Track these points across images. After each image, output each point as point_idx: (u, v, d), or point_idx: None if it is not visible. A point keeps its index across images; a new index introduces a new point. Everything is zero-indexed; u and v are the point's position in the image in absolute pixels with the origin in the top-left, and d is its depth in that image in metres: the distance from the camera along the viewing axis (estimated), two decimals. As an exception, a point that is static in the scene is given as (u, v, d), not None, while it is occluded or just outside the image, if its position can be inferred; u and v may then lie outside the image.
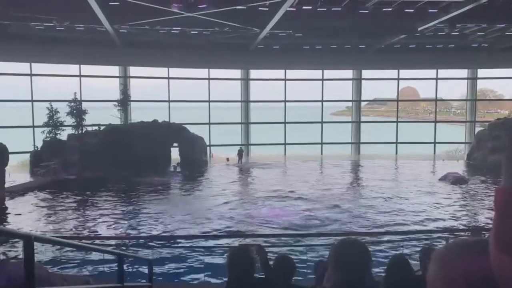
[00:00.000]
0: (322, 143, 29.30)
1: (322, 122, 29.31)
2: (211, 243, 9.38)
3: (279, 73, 28.72)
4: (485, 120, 30.51)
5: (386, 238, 9.56)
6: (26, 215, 13.79)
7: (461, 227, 12.30)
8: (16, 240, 8.29)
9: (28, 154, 22.73)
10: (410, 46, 25.69)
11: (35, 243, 2.32)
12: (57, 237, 5.69)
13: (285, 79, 28.65)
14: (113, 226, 12.55)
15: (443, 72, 29.19)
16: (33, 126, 24.55)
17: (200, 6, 17.79)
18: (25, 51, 22.82)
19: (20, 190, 16.88)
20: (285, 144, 29.09)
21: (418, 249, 5.90)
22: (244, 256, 3.04)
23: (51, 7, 17.73)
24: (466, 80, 29.67)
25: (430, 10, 18.80)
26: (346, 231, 10.82)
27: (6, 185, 15.88)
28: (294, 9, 18.37)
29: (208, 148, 26.34)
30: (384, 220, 12.88)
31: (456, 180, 18.85)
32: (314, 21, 19.94)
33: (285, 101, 28.85)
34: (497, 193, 0.73)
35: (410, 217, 13.25)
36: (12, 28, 20.67)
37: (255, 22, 19.87)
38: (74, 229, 12.19)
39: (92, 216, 13.66)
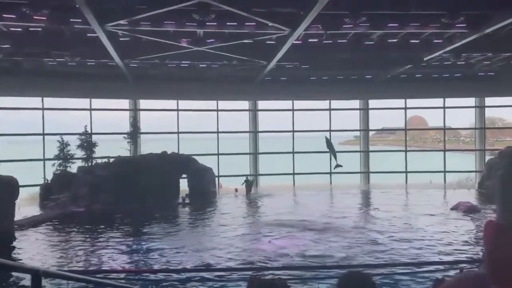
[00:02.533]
0: (331, 173, 29.13)
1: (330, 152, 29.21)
2: (221, 275, 9.26)
3: (286, 103, 28.98)
4: (495, 148, 30.25)
5: (397, 269, 9.38)
6: (34, 248, 13.76)
7: (475, 257, 12.02)
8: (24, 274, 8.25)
9: (38, 187, 22.88)
10: (417, 75, 25.87)
11: (42, 278, 2.33)
12: (65, 271, 5.68)
13: (292, 110, 28.86)
14: (122, 259, 12.47)
15: (450, 101, 29.23)
16: (44, 159, 24.81)
17: (208, 41, 18.23)
18: (37, 86, 23.37)
19: (29, 224, 16.91)
20: (293, 174, 28.98)
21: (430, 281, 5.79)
22: None
23: (63, 44, 18.27)
24: (474, 109, 29.63)
25: (435, 41, 19.03)
26: (354, 264, 10.63)
27: (15, 218, 15.93)
28: (300, 42, 18.72)
29: (216, 179, 26.34)
30: (395, 251, 12.65)
31: (468, 209, 18.55)
32: (320, 53, 20.27)
33: (293, 131, 28.95)
34: (487, 227, 0.75)
35: (421, 248, 13.00)
36: (25, 64, 21.26)
37: (262, 55, 20.25)
38: (82, 263, 12.12)
39: (101, 249, 13.59)
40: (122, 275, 8.92)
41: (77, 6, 12.57)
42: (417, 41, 19.17)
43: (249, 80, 25.54)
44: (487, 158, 27.82)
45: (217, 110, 28.23)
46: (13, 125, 27.44)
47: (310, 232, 15.19)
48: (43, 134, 25.34)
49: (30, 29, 16.88)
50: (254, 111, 29.23)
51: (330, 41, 18.86)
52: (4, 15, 14.33)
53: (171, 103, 27.87)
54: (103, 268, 11.46)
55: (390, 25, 16.02)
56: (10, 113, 26.36)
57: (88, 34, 17.20)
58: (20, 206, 17.53)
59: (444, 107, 29.08)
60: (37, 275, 2.25)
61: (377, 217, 18.13)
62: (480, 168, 28.37)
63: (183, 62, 22.41)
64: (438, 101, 29.06)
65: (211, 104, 28.39)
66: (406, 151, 29.84)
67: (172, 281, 9.28)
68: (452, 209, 19.16)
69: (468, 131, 43.45)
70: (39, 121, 25.39)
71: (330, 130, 28.98)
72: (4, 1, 13.12)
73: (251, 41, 18.54)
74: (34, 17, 13.75)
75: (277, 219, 17.35)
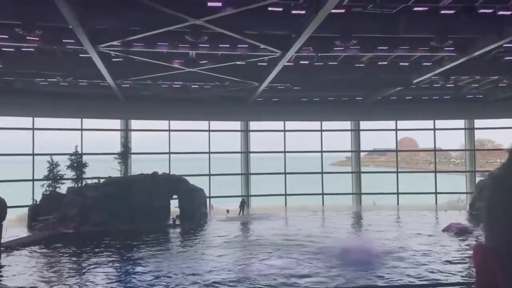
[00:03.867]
0: (323, 194, 29.12)
1: (322, 173, 29.29)
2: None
3: (278, 124, 29.10)
4: (485, 169, 30.49)
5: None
6: (21, 271, 13.45)
7: (466, 279, 11.96)
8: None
9: (27, 208, 22.51)
10: (407, 97, 26.20)
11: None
12: None
13: (284, 130, 28.97)
14: (110, 282, 12.22)
15: (440, 123, 29.56)
16: (33, 180, 24.51)
17: (201, 62, 18.36)
18: (28, 106, 23.30)
19: (16, 245, 16.57)
20: (285, 195, 28.90)
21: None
22: None
23: (56, 64, 18.28)
24: (463, 130, 29.98)
25: (424, 63, 19.35)
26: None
27: (2, 240, 15.60)
28: (292, 63, 18.93)
29: (208, 200, 26.15)
30: (388, 272, 12.55)
31: (459, 231, 18.56)
32: (311, 74, 20.49)
33: (284, 151, 29.00)
34: (476, 250, 0.74)
35: (412, 269, 12.92)
36: (17, 84, 21.19)
37: (254, 76, 20.42)
38: (70, 285, 11.85)
39: (89, 271, 13.32)
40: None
41: (70, 27, 12.63)
42: (407, 63, 19.49)
43: (241, 101, 25.68)
44: (478, 179, 28.00)
45: (209, 131, 28.25)
46: (2, 145, 27.13)
47: (305, 254, 15.05)
48: (33, 155, 25.09)
49: (23, 49, 16.89)
50: (246, 131, 29.30)
51: (321, 63, 19.12)
52: (-3, 36, 14.35)
53: (162, 123, 27.86)
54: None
55: (380, 48, 16.28)
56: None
57: (81, 55, 17.24)
58: (8, 227, 17.21)
59: (434, 129, 29.39)
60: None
61: (369, 239, 18.03)
62: (471, 190, 28.54)
63: (175, 82, 22.50)
64: (429, 123, 29.39)
65: (203, 124, 28.42)
66: (397, 172, 29.97)
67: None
68: (443, 230, 19.16)
69: (458, 153, 43.83)
70: (29, 141, 25.19)
71: (321, 151, 29.07)
72: (-3, 22, 13.16)
73: (243, 63, 18.70)
74: (27, 38, 13.77)
75: (269, 241, 17.18)
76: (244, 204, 25.67)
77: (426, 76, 19.97)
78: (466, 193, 29.48)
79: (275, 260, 14.17)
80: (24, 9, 12.16)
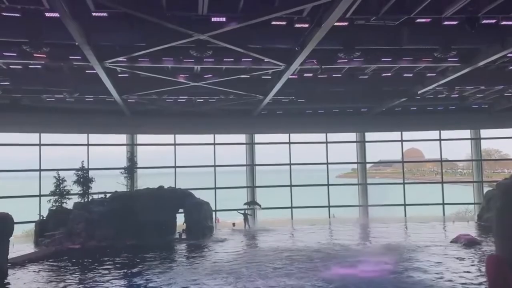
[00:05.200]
0: (329, 206, 28.98)
1: (328, 185, 29.18)
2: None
3: (283, 136, 29.12)
4: (493, 180, 30.24)
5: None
6: (24, 286, 13.42)
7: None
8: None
9: (34, 224, 22.55)
10: (412, 108, 26.19)
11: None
12: None
13: (289, 143, 28.97)
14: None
15: (446, 133, 29.46)
16: (40, 195, 24.60)
17: (205, 76, 18.50)
18: (35, 122, 23.55)
19: (23, 261, 16.57)
20: (291, 207, 28.78)
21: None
22: None
23: (62, 80, 18.49)
24: (469, 141, 29.84)
25: (428, 74, 19.39)
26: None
27: (9, 256, 15.60)
28: (296, 76, 19.03)
29: (214, 213, 26.09)
30: (394, 285, 12.42)
31: (468, 242, 18.36)
32: (315, 87, 20.58)
33: (290, 164, 28.95)
34: (488, 261, 0.75)
35: (423, 281, 12.77)
36: (24, 101, 21.42)
37: (258, 89, 20.54)
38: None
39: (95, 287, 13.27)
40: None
41: (77, 44, 12.82)
42: (411, 74, 19.53)
43: (246, 114, 25.79)
44: (485, 190, 27.77)
45: (214, 144, 28.31)
46: (10, 161, 27.32)
47: (308, 266, 14.93)
48: (40, 170, 25.23)
49: (30, 66, 17.11)
50: (251, 144, 29.34)
51: (325, 75, 19.20)
52: (5, 53, 14.56)
53: (168, 137, 27.97)
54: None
55: (383, 59, 16.36)
56: (7, 149, 26.30)
57: (87, 71, 17.45)
58: (15, 243, 17.23)
59: (440, 139, 29.28)
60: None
61: (378, 251, 17.83)
62: (479, 200, 28.30)
63: (180, 97, 22.66)
64: (434, 134, 29.30)
65: (208, 137, 28.50)
66: (404, 183, 29.80)
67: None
68: (452, 241, 18.96)
69: (465, 163, 43.57)
70: (36, 156, 25.35)
71: (327, 163, 29.01)
72: (5, 40, 13.36)
73: (248, 76, 18.83)
74: (35, 55, 13.97)
75: (275, 254, 17.07)
76: (247, 216, 25.59)
77: (431, 87, 19.98)
78: (474, 203, 29.24)
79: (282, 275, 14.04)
80: (32, 27, 12.36)
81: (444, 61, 16.16)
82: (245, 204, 26.88)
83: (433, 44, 14.59)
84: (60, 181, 23.12)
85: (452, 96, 23.11)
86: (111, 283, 13.73)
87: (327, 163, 29.02)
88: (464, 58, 16.05)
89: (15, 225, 15.79)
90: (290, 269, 14.87)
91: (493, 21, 13.33)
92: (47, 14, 11.99)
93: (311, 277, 13.59)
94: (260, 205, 26.80)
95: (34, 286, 13.58)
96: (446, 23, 13.46)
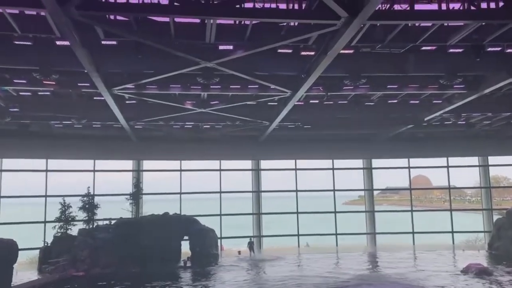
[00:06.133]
0: (336, 234, 28.58)
1: (335, 212, 28.87)
2: None
3: (289, 162, 29.00)
4: (502, 207, 29.78)
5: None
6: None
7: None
8: None
9: (38, 251, 22.38)
10: (419, 135, 26.09)
11: None
12: None
13: (295, 169, 28.84)
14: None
15: (454, 160, 29.23)
16: (45, 222, 24.50)
17: (212, 103, 18.64)
18: (43, 148, 23.72)
19: (26, 289, 16.37)
20: (298, 235, 28.40)
21: None
22: None
23: (70, 107, 18.69)
24: (477, 168, 29.55)
25: (434, 101, 19.39)
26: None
27: (13, 284, 15.43)
28: (302, 103, 19.12)
29: (219, 240, 25.79)
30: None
31: (479, 272, 17.92)
32: (321, 113, 20.62)
33: (296, 190, 28.73)
34: None
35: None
36: (32, 127, 21.63)
37: (264, 115, 20.61)
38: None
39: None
40: None
41: (86, 71, 13.01)
42: (417, 101, 19.54)
43: (252, 140, 25.82)
44: (495, 217, 27.31)
45: (220, 170, 28.24)
46: (16, 187, 27.36)
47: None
48: (46, 196, 25.23)
49: (39, 93, 17.35)
50: (257, 170, 29.24)
51: (331, 102, 19.27)
52: (15, 81, 14.80)
53: (174, 163, 27.97)
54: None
55: (389, 86, 16.42)
56: (14, 175, 26.39)
57: (95, 97, 17.64)
58: (18, 270, 17.07)
59: (447, 166, 29.03)
60: None
61: (388, 280, 17.45)
62: (489, 228, 27.81)
63: (187, 123, 22.78)
64: (442, 160, 29.08)
65: (214, 164, 28.47)
66: (412, 211, 29.40)
67: None
68: (462, 271, 18.51)
69: (473, 190, 43.08)
70: (42, 182, 25.40)
71: (334, 190, 28.77)
72: (16, 68, 13.60)
73: (254, 103, 18.94)
74: (44, 82, 14.18)
75: (282, 283, 16.75)
76: (252, 245, 25.26)
77: (437, 114, 19.95)
78: (484, 231, 28.72)
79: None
80: (42, 54, 12.59)
81: (450, 88, 16.18)
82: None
83: (438, 71, 14.65)
84: (66, 207, 23.08)
85: (459, 122, 23.03)
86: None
87: (334, 190, 28.78)
88: (470, 85, 16.07)
89: (20, 252, 15.68)
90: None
91: (498, 48, 13.42)
92: (58, 43, 12.24)
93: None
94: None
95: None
96: (451, 50, 13.57)
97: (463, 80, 15.30)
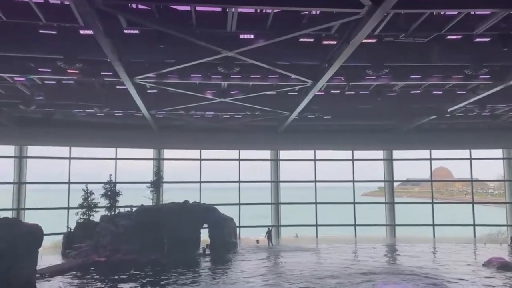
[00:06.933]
0: (355, 225, 28.48)
1: (354, 203, 28.73)
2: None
3: (309, 153, 28.92)
4: (527, 201, 29.13)
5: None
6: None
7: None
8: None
9: (62, 236, 22.97)
10: (441, 126, 25.64)
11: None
12: None
13: (314, 159, 28.74)
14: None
15: (477, 152, 28.65)
16: (68, 208, 25.11)
17: (232, 92, 18.65)
18: (67, 136, 24.18)
19: (50, 273, 16.83)
20: (316, 225, 28.40)
21: None
22: None
23: (93, 95, 18.98)
24: (502, 160, 28.92)
25: (458, 92, 18.99)
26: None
27: (38, 267, 15.88)
28: (323, 93, 18.96)
29: (238, 229, 26.00)
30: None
31: (501, 266, 17.63)
32: (342, 104, 20.43)
33: (315, 181, 28.67)
34: None
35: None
36: (56, 115, 22.06)
37: (284, 105, 20.54)
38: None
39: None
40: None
41: (109, 60, 13.16)
42: (441, 92, 19.16)
43: (272, 130, 25.79)
44: (519, 211, 26.77)
45: (239, 160, 28.36)
46: (41, 174, 28.06)
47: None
48: (69, 183, 25.83)
49: (63, 82, 17.65)
50: (276, 160, 29.25)
51: (353, 92, 19.05)
52: (40, 69, 15.07)
53: (194, 153, 28.22)
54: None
55: (412, 76, 16.13)
56: (38, 162, 27.06)
57: (117, 86, 17.86)
58: (43, 254, 17.55)
59: (470, 158, 28.49)
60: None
61: (408, 273, 17.31)
62: (512, 222, 27.31)
63: (207, 112, 22.88)
64: (464, 152, 28.56)
65: (233, 153, 28.59)
66: (432, 203, 29.03)
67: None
68: (484, 265, 18.24)
69: (496, 183, 42.22)
70: (65, 170, 26.00)
71: (353, 181, 28.60)
72: (41, 56, 13.85)
73: (274, 93, 18.88)
74: (68, 71, 14.41)
75: (305, 276, 16.79)
76: (270, 234, 25.36)
77: (461, 105, 19.55)
78: (507, 225, 28.19)
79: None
80: (67, 43, 12.78)
81: (475, 79, 15.82)
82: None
83: (464, 61, 14.30)
84: (88, 194, 23.56)
85: (484, 114, 22.51)
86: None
87: (353, 181, 28.62)
88: (496, 75, 15.67)
89: (44, 237, 16.09)
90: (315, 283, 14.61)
91: (527, 38, 12.98)
92: (81, 32, 12.40)
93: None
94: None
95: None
96: (477, 40, 13.22)
97: (489, 70, 14.89)
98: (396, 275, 16.74)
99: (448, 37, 13.18)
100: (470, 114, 22.80)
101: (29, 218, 22.86)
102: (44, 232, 15.82)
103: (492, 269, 17.47)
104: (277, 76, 15.98)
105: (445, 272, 17.13)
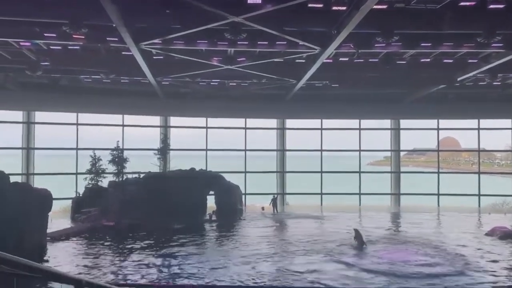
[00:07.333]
0: (360, 194, 28.69)
1: (360, 172, 28.85)
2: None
3: (315, 122, 28.85)
4: (533, 171, 29.09)
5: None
6: (65, 261, 13.99)
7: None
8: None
9: (70, 201, 23.40)
10: (450, 96, 25.33)
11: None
12: (105, 283, 5.67)
13: (321, 128, 28.70)
14: (150, 274, 12.50)
15: (485, 122, 28.41)
16: (76, 173, 25.46)
17: (239, 59, 18.44)
18: (73, 102, 24.21)
19: (60, 236, 17.25)
20: (321, 194, 28.65)
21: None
22: None
23: (99, 61, 18.87)
24: (510, 130, 28.68)
25: (469, 60, 18.63)
26: None
27: (48, 231, 16.27)
28: (331, 60, 18.69)
29: (244, 197, 26.31)
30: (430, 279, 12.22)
31: (504, 235, 17.78)
32: (350, 72, 20.17)
33: (321, 150, 28.73)
34: None
35: (459, 275, 12.51)
36: (62, 81, 22.03)
37: (292, 73, 20.32)
38: (112, 276, 12.23)
39: (129, 264, 13.68)
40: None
41: (114, 25, 12.99)
42: (451, 60, 18.81)
43: (278, 98, 25.63)
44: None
45: (245, 128, 28.38)
46: (49, 140, 28.32)
47: (345, 256, 14.90)
48: (77, 149, 26.06)
49: (69, 47, 17.50)
50: (282, 129, 29.23)
51: (361, 60, 18.75)
52: (46, 34, 14.93)
53: (200, 121, 28.25)
54: (132, 282, 11.51)
55: (423, 44, 15.80)
56: (46, 128, 27.25)
57: (123, 52, 17.70)
58: (53, 218, 17.93)
59: (478, 128, 28.29)
60: (80, 285, 2.27)
61: (411, 241, 17.53)
62: (517, 192, 27.34)
63: (213, 80, 22.72)
64: (473, 122, 28.33)
65: (239, 122, 28.59)
66: (438, 172, 29.08)
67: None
68: (487, 234, 18.41)
69: (503, 154, 42.05)
70: (73, 135, 26.18)
71: (359, 150, 28.62)
72: (46, 21, 13.69)
73: (281, 60, 18.64)
74: (74, 36, 14.26)
75: (309, 241, 17.07)
76: (276, 201, 25.64)
77: (472, 74, 19.23)
78: (512, 195, 28.29)
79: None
80: (72, 8, 12.60)
81: (487, 47, 15.46)
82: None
83: (476, 29, 13.96)
84: (96, 160, 23.80)
85: (494, 83, 22.15)
86: (144, 258, 14.11)
87: (359, 150, 28.64)
88: (509, 44, 15.28)
89: (54, 201, 16.41)
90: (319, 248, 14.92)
91: (543, 5, 12.61)
92: (87, -4, 12.20)
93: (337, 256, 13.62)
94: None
95: (71, 259, 14.14)
96: (491, 6, 12.84)
97: (502, 39, 14.55)
98: (399, 243, 16.98)
99: (461, 4, 12.80)
100: (481, 83, 22.44)
101: (38, 183, 23.29)
102: (54, 197, 16.13)
103: (495, 238, 17.64)
104: (285, 43, 15.70)
105: (447, 240, 17.34)
